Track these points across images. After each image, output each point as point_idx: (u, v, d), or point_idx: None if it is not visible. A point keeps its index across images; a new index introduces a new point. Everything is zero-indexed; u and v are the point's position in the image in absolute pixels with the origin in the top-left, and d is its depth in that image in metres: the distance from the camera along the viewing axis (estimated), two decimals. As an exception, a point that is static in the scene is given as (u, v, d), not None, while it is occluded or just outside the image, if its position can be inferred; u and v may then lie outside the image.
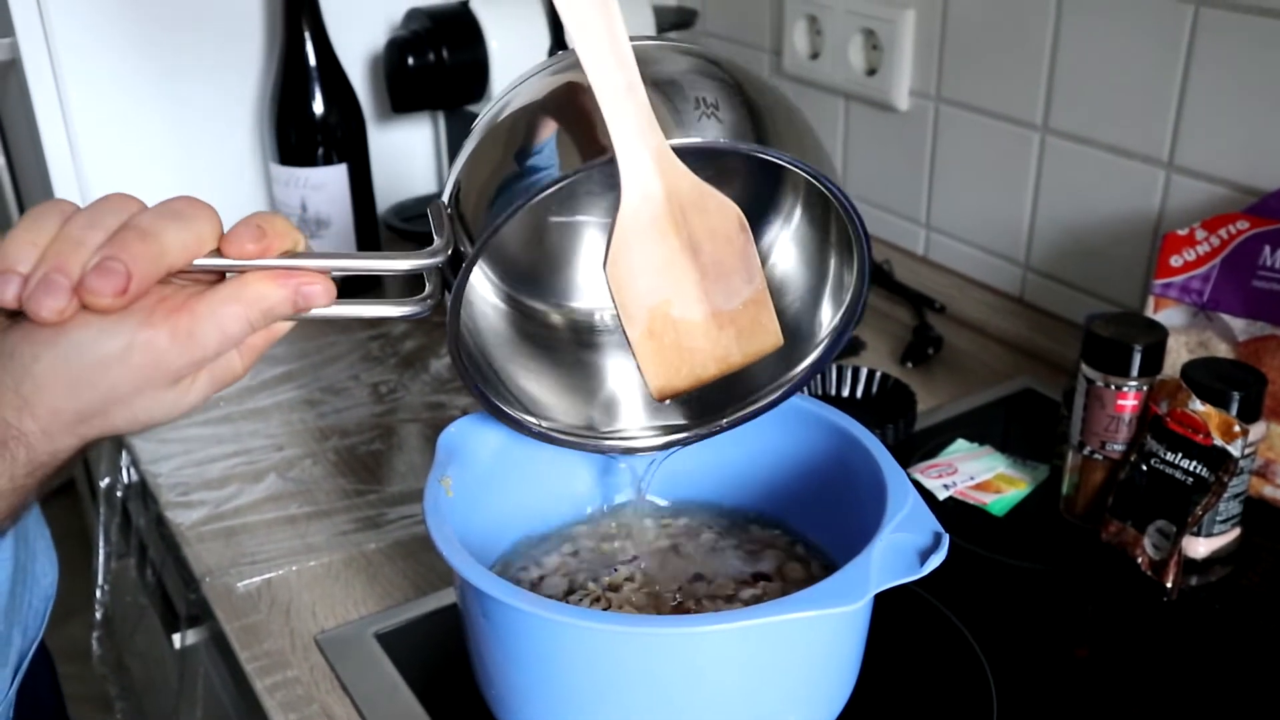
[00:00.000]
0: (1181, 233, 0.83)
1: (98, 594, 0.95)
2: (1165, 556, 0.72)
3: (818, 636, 0.53)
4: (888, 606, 0.71)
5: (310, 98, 1.09)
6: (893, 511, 0.54)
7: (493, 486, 0.62)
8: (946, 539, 0.52)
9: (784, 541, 0.68)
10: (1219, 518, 0.74)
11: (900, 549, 0.52)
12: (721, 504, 0.71)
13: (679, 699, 0.51)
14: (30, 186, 1.15)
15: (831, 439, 0.64)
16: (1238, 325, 0.81)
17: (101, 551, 0.95)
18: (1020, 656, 0.68)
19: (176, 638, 0.84)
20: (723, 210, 0.52)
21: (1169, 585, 0.72)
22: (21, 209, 1.21)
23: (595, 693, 0.51)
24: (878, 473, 0.58)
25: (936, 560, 0.51)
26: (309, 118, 1.10)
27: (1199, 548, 0.75)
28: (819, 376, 0.93)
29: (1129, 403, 0.74)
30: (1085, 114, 0.95)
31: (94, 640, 0.95)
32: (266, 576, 0.76)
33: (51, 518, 0.71)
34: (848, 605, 0.48)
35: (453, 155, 1.26)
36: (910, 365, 1.00)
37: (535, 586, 0.64)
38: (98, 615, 0.96)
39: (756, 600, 0.62)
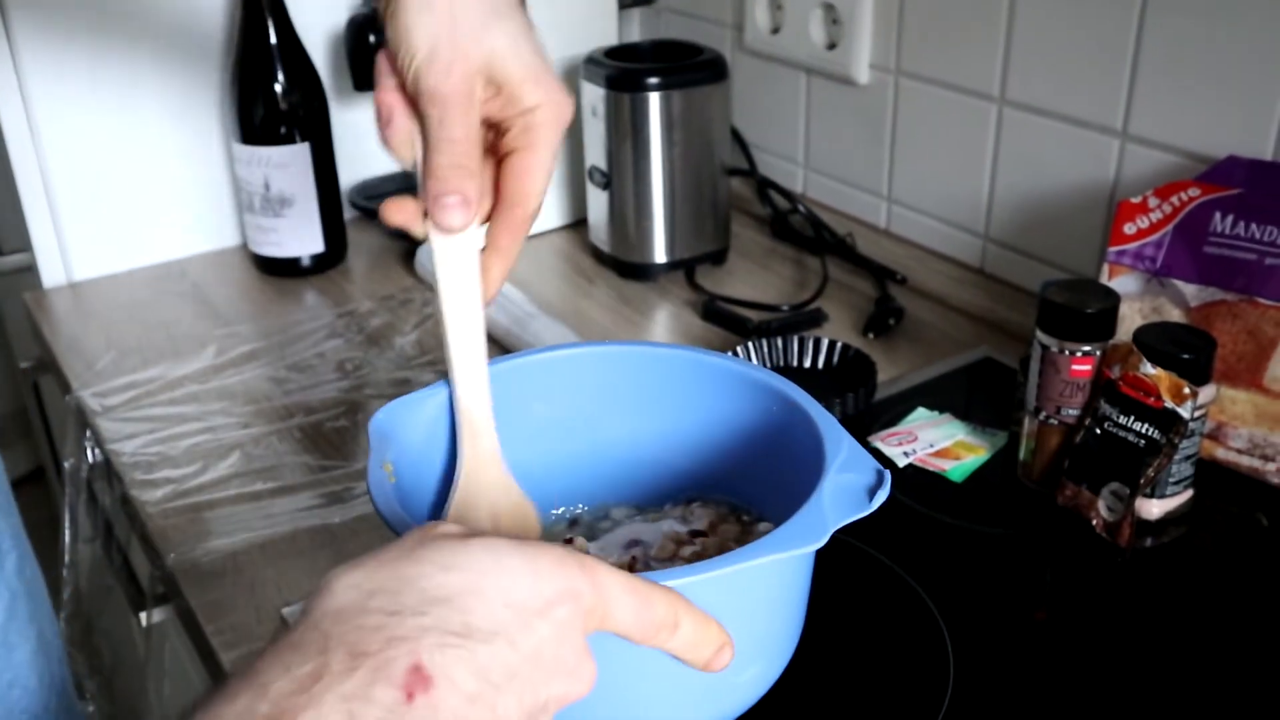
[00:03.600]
0: (1135, 200, 0.84)
1: (64, 574, 0.95)
2: (1119, 518, 0.74)
3: (777, 582, 0.54)
4: (846, 570, 0.72)
5: (272, 77, 1.09)
6: (832, 455, 0.55)
7: (432, 465, 0.63)
8: (888, 475, 0.54)
9: (714, 500, 0.69)
10: (1171, 479, 0.76)
11: (848, 488, 0.53)
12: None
13: (638, 655, 0.52)
14: (-10, 168, 1.14)
15: (761, 398, 0.65)
16: (1190, 291, 0.82)
17: (67, 532, 0.95)
18: (977, 619, 0.69)
19: (144, 616, 0.84)
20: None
21: (1123, 546, 0.74)
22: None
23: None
24: (811, 424, 0.59)
25: (883, 495, 0.53)
26: (270, 97, 1.09)
27: (1152, 509, 0.77)
28: (779, 348, 0.94)
29: (1083, 368, 0.76)
30: (1041, 85, 0.96)
31: (60, 620, 0.95)
32: (231, 552, 0.77)
33: (23, 505, 0.72)
34: (811, 545, 0.49)
35: (416, 133, 1.26)
36: (872, 336, 1.01)
37: None
38: (65, 595, 0.96)
39: (698, 557, 0.63)
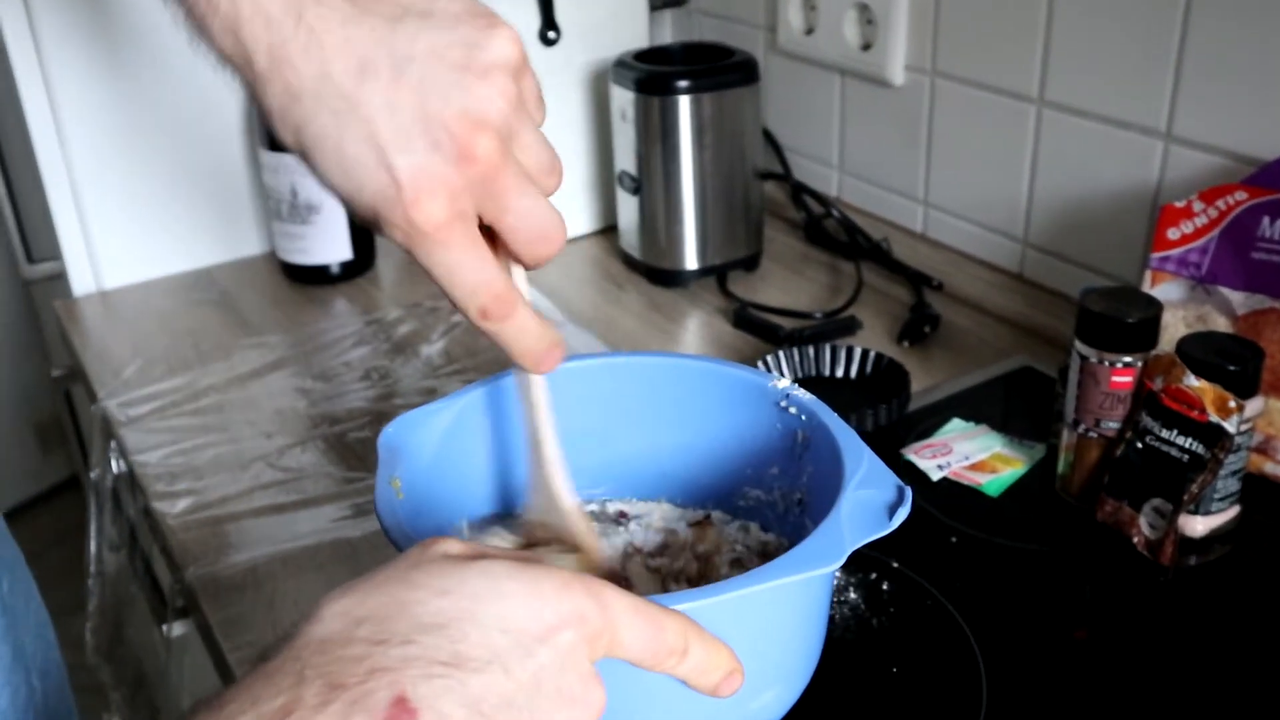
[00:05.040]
0: (1179, 205, 0.81)
1: (90, 585, 0.95)
2: (1161, 535, 0.71)
3: (791, 604, 0.53)
4: (874, 588, 0.70)
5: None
6: (851, 470, 0.53)
7: (443, 481, 0.61)
8: (909, 492, 0.52)
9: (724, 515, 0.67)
10: (1216, 495, 0.73)
11: (867, 506, 0.51)
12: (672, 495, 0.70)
13: (648, 680, 0.50)
14: (19, 179, 1.15)
15: (778, 410, 0.63)
16: (1236, 298, 0.79)
17: (93, 542, 0.95)
18: (1010, 639, 0.67)
19: (165, 628, 0.83)
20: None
21: (1165, 564, 0.71)
22: (12, 196, 1.20)
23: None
24: (830, 437, 0.57)
25: (903, 513, 0.51)
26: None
27: (1197, 526, 0.74)
28: (811, 357, 0.92)
29: (1123, 379, 0.73)
30: (1081, 85, 0.93)
31: (87, 631, 0.94)
32: (251, 566, 0.76)
33: (58, 512, 0.71)
34: (826, 567, 0.47)
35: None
36: (907, 344, 0.99)
37: None
38: (90, 605, 0.95)
39: (678, 572, 0.61)
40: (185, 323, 1.09)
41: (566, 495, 0.59)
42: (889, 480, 0.53)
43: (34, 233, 1.20)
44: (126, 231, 1.15)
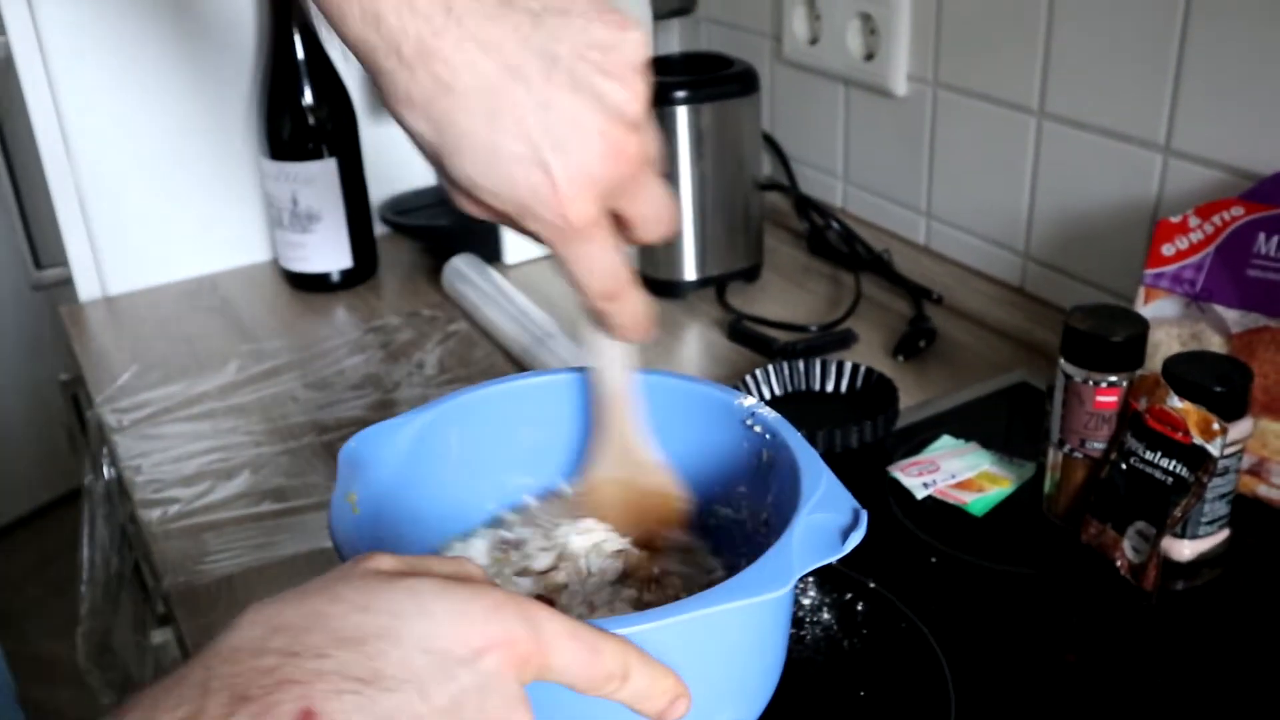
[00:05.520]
0: (1174, 220, 0.79)
1: (82, 590, 0.96)
2: (1145, 559, 0.69)
3: (742, 627, 0.52)
4: (845, 605, 0.69)
5: (299, 92, 1.09)
6: (809, 492, 0.52)
7: (403, 499, 0.61)
8: (864, 515, 0.51)
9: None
10: (1204, 519, 0.71)
11: (821, 529, 0.50)
12: None
13: (593, 704, 0.49)
14: (26, 184, 1.16)
15: (742, 428, 0.62)
16: (1231, 317, 0.77)
17: (85, 548, 0.95)
18: (984, 665, 0.65)
19: (149, 635, 0.83)
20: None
21: (1148, 590, 0.69)
22: (20, 201, 1.22)
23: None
24: (790, 457, 0.56)
25: (856, 537, 0.50)
26: (298, 113, 1.09)
27: (1184, 550, 0.72)
28: (800, 371, 0.91)
29: (1108, 399, 0.71)
30: (1081, 97, 0.91)
31: (78, 636, 0.95)
32: (227, 575, 0.76)
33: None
34: (772, 592, 0.46)
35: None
36: (901, 359, 0.98)
37: None
38: (82, 610, 0.96)
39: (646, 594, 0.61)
40: (185, 329, 1.09)
41: (651, 448, 0.62)
42: (846, 503, 0.52)
43: (42, 238, 1.21)
44: (132, 238, 1.16)
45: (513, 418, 0.66)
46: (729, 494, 0.64)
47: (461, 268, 1.11)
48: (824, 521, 0.51)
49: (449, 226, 1.19)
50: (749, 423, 0.61)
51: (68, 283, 1.18)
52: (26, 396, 2.11)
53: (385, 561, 0.41)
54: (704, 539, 0.66)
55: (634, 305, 0.55)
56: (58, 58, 1.07)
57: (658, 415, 0.65)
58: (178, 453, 0.90)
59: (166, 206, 1.16)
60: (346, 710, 0.34)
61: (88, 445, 1.01)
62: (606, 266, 0.52)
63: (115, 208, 1.14)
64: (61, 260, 1.17)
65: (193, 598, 0.74)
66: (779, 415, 0.60)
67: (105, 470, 0.92)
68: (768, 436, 0.60)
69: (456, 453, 0.65)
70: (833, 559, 0.50)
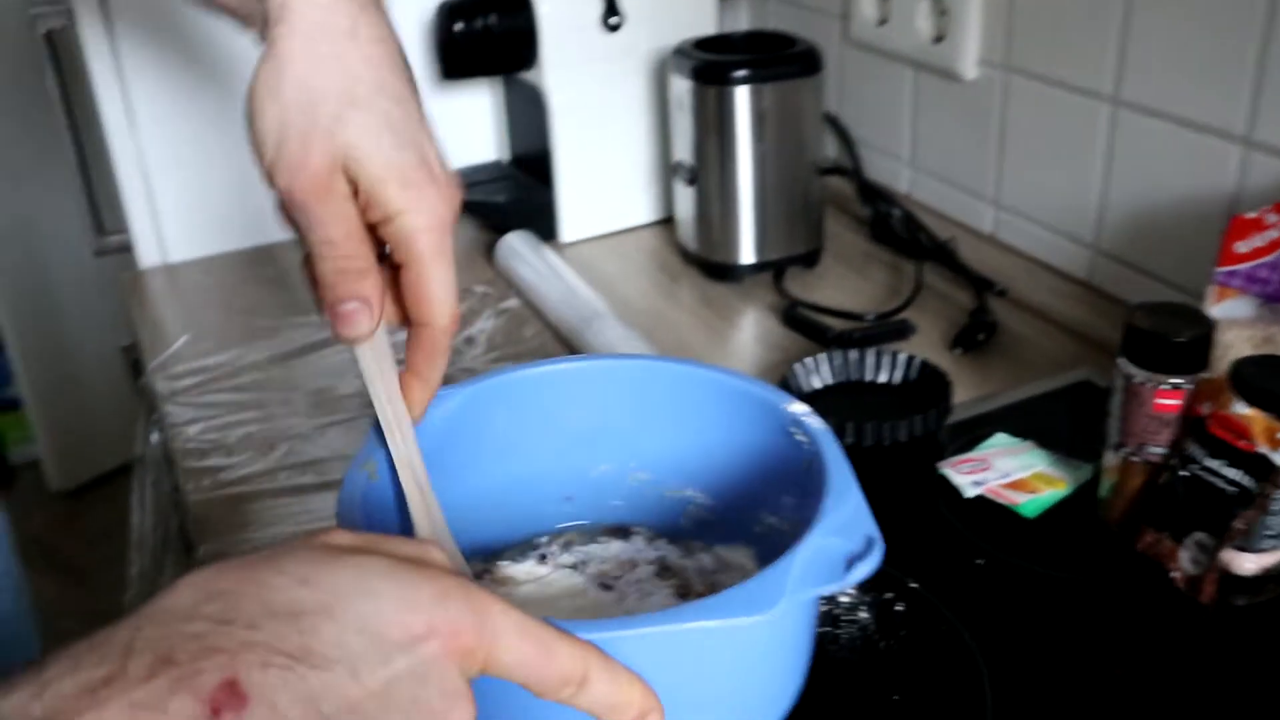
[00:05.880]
0: (1250, 216, 0.75)
1: (131, 555, 0.97)
2: (1202, 572, 0.66)
3: (736, 645, 0.49)
4: (887, 609, 0.66)
5: (359, 63, 1.08)
6: (831, 508, 0.50)
7: (435, 472, 0.60)
8: (880, 545, 0.48)
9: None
10: (1269, 532, 0.67)
11: (828, 554, 0.47)
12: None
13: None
14: (91, 151, 1.17)
15: (781, 431, 0.60)
16: (1307, 320, 0.73)
17: (136, 514, 0.96)
18: (1025, 675, 0.63)
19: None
20: None
21: (1205, 604, 0.66)
22: (84, 167, 1.23)
23: (500, 700, 0.48)
24: (821, 466, 0.54)
25: (864, 569, 0.47)
26: (358, 83, 1.08)
27: (1245, 564, 0.68)
28: (854, 361, 0.88)
29: (1170, 402, 0.68)
30: (1158, 84, 0.87)
31: (126, 601, 0.96)
32: (263, 546, 0.75)
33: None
34: (754, 615, 0.44)
35: (512, 121, 1.24)
36: (960, 352, 0.94)
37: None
38: (131, 573, 0.97)
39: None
40: (240, 299, 1.10)
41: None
42: (863, 527, 0.49)
43: (106, 204, 1.22)
44: (193, 207, 1.17)
45: (560, 400, 0.64)
46: (776, 502, 0.62)
47: (515, 245, 1.10)
48: (834, 546, 0.48)
49: (505, 203, 1.18)
50: (793, 430, 0.59)
51: (129, 249, 1.19)
52: (100, 361, 2.15)
53: (341, 537, 0.40)
54: (749, 546, 0.64)
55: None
56: (123, 27, 1.08)
57: (702, 411, 0.63)
58: (224, 422, 0.90)
59: (228, 176, 1.17)
60: (272, 684, 0.33)
61: (141, 412, 1.02)
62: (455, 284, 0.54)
63: (177, 176, 1.15)
64: (124, 227, 1.18)
65: (228, 568, 0.74)
66: (825, 426, 0.57)
67: (153, 437, 0.93)
68: (808, 446, 0.57)
69: (501, 431, 0.63)
70: (833, 589, 0.47)
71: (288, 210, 0.53)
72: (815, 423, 0.58)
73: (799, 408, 0.59)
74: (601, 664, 0.40)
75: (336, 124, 0.51)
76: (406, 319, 0.57)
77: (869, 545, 0.48)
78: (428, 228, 0.53)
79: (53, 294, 2.20)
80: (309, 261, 0.53)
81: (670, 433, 0.65)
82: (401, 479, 0.56)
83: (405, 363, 0.56)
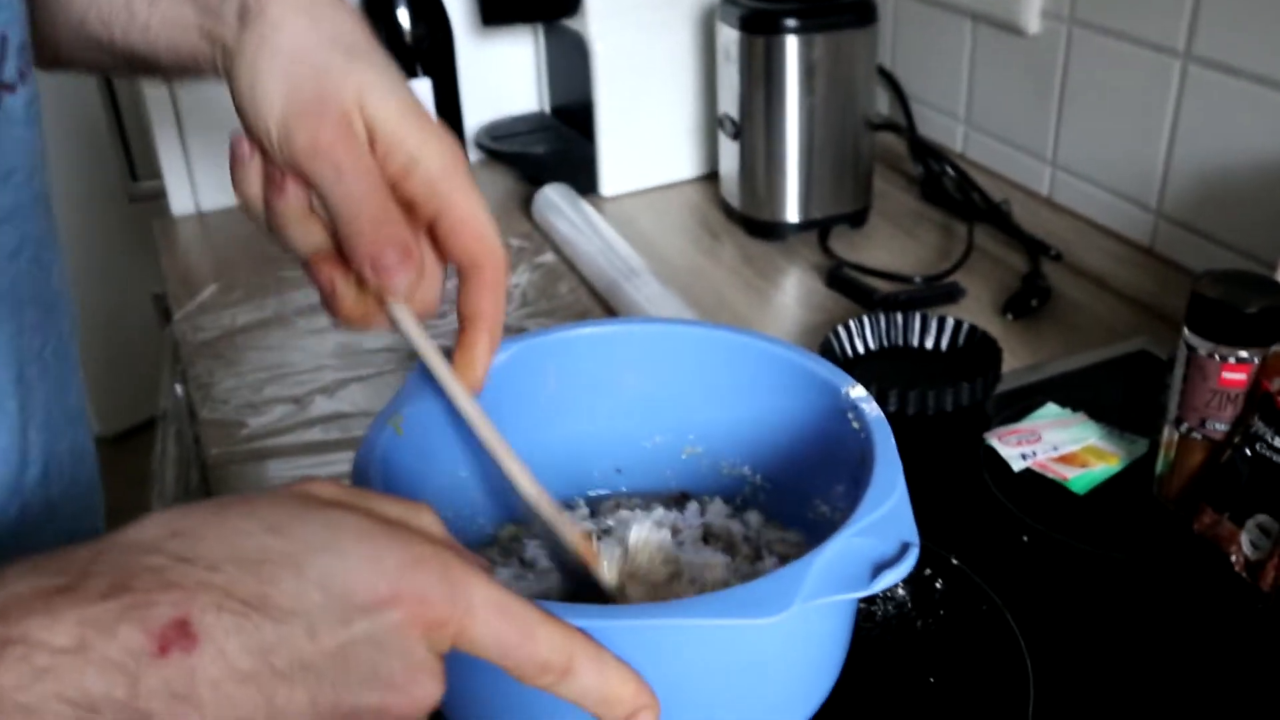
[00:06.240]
0: (1329, 179, 0.70)
1: (154, 504, 0.95)
2: (1264, 557, 0.62)
3: (741, 646, 0.46)
4: (927, 586, 0.63)
5: (395, 8, 1.05)
6: (866, 510, 0.46)
7: (466, 436, 0.57)
8: (915, 552, 0.44)
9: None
10: (1338, 516, 0.63)
11: (855, 557, 0.43)
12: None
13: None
14: (123, 96, 1.15)
15: (837, 414, 0.56)
16: (1388, 291, 0.68)
17: (158, 465, 0.95)
18: (1069, 660, 0.59)
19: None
20: None
21: (1266, 590, 0.62)
22: (117, 112, 1.21)
23: (492, 687, 0.45)
24: (869, 456, 0.50)
25: (892, 576, 0.43)
26: (394, 31, 1.05)
27: (1311, 549, 0.64)
28: (899, 324, 0.84)
29: (1236, 376, 0.64)
30: (1233, 40, 0.82)
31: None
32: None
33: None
34: (762, 618, 0.40)
35: (552, 71, 1.21)
36: (1011, 317, 0.90)
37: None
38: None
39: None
40: (271, 248, 1.06)
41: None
42: (900, 532, 0.45)
43: (140, 150, 1.21)
44: (226, 154, 1.14)
45: (615, 364, 0.62)
46: (828, 489, 0.58)
47: (553, 198, 1.07)
48: (865, 548, 0.44)
49: (545, 154, 1.15)
50: (850, 416, 0.55)
51: (163, 196, 1.17)
52: (139, 309, 2.15)
53: (324, 489, 0.38)
54: (803, 532, 0.61)
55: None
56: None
57: (759, 384, 0.60)
58: (249, 374, 0.88)
59: (261, 123, 1.14)
60: (224, 628, 0.32)
61: (166, 362, 1.00)
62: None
63: (211, 121, 1.12)
64: (158, 173, 1.16)
65: (246, 524, 0.72)
66: (882, 415, 0.54)
67: (177, 388, 0.91)
68: (863, 435, 0.53)
69: (552, 391, 0.61)
70: (854, 596, 0.43)
71: (303, 172, 0.49)
72: (872, 410, 0.54)
73: (859, 392, 0.55)
74: (589, 654, 0.38)
75: (347, 68, 0.48)
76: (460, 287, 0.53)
77: (903, 550, 0.44)
78: (455, 167, 0.50)
79: (90, 239, 2.20)
80: (337, 226, 0.49)
81: (727, 405, 0.62)
82: (484, 441, 0.53)
83: (461, 316, 0.52)
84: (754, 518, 0.62)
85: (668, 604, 0.41)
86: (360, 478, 0.49)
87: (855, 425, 0.54)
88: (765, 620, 0.41)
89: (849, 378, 0.56)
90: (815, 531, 0.59)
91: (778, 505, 0.63)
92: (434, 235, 0.51)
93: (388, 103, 0.49)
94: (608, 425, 0.63)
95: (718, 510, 0.63)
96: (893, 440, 0.52)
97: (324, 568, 0.34)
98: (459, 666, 0.37)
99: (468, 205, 0.50)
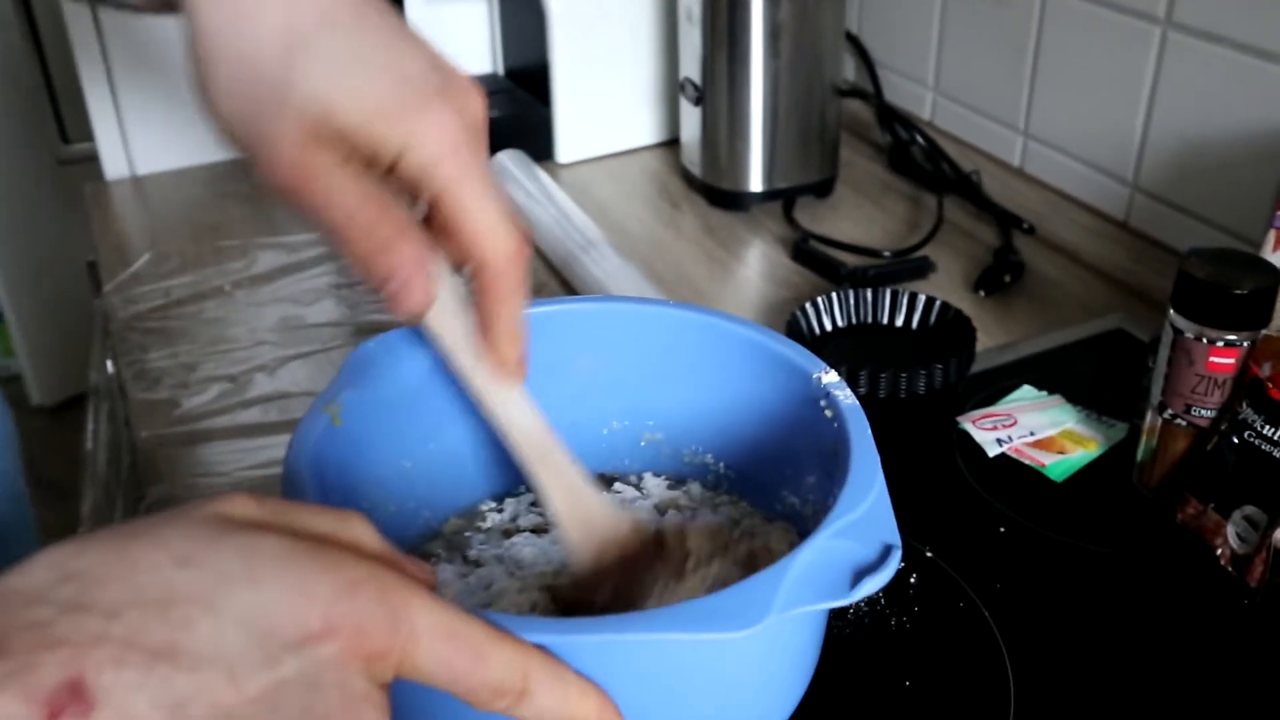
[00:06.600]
0: (1318, 154, 0.67)
1: (86, 488, 0.90)
2: (1251, 550, 0.60)
3: (710, 660, 0.42)
4: (901, 581, 0.60)
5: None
6: (843, 509, 0.42)
7: (415, 422, 0.53)
8: (897, 554, 0.41)
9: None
10: (1326, 507, 0.61)
11: (833, 561, 0.40)
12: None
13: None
14: (54, 55, 1.09)
15: (810, 402, 0.52)
16: (1378, 271, 0.66)
17: (89, 444, 0.89)
18: (1050, 658, 0.57)
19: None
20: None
21: (1252, 586, 0.59)
22: (47, 73, 1.15)
23: (442, 713, 0.41)
24: (845, 449, 0.46)
25: (874, 583, 0.39)
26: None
27: (1297, 541, 0.62)
28: (868, 301, 0.81)
29: (1224, 360, 0.61)
30: (1216, 4, 0.79)
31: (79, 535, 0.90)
32: (215, 492, 0.69)
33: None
34: (734, 632, 0.37)
35: (506, 31, 1.16)
36: (983, 294, 0.87)
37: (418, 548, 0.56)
38: (84, 507, 0.91)
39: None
40: (210, 215, 1.02)
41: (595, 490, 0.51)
42: (881, 533, 0.42)
43: (71, 112, 1.14)
44: (162, 116, 1.08)
45: (569, 345, 0.57)
46: (798, 481, 0.55)
47: (507, 164, 1.02)
48: (843, 552, 0.41)
49: (498, 119, 1.10)
50: (823, 404, 0.51)
51: (95, 159, 1.11)
52: (74, 277, 2.08)
53: (241, 506, 0.33)
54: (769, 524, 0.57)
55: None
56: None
57: (725, 369, 0.56)
58: (182, 350, 0.83)
59: (199, 82, 1.08)
60: (127, 685, 0.28)
61: (97, 335, 0.94)
62: (505, 207, 0.44)
63: (145, 82, 1.06)
64: (89, 136, 1.10)
65: (177, 513, 0.68)
66: (856, 404, 0.50)
67: (108, 365, 0.86)
68: (836, 425, 0.50)
69: None
70: (833, 605, 0.40)
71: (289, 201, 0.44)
72: (847, 397, 0.50)
73: (832, 378, 0.51)
74: (546, 671, 0.35)
75: (288, 84, 0.42)
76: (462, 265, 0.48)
77: (885, 555, 0.40)
78: (441, 155, 0.43)
79: (19, 203, 2.11)
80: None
81: (689, 390, 0.58)
82: (522, 457, 0.50)
83: (483, 322, 0.48)
84: (695, 488, 0.59)
85: (631, 616, 0.38)
86: (292, 472, 0.45)
87: (828, 414, 0.51)
88: (737, 634, 0.37)
89: (821, 363, 0.53)
90: (787, 524, 0.56)
91: (743, 496, 0.59)
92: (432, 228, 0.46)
93: (346, 106, 0.42)
94: (560, 412, 0.59)
95: (656, 485, 0.60)
96: (869, 431, 0.48)
97: (243, 603, 0.30)
98: (404, 693, 0.34)
99: (462, 197, 0.44)
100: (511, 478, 0.58)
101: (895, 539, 0.42)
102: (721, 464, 0.59)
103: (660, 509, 0.58)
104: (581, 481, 0.51)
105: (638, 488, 0.60)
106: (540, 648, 0.35)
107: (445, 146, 0.43)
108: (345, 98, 0.42)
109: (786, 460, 0.55)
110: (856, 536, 0.41)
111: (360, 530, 0.35)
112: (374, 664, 0.31)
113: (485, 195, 0.44)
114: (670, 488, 0.60)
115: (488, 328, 0.47)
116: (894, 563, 0.40)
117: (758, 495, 0.58)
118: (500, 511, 0.58)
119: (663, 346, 0.57)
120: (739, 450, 0.58)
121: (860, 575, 0.39)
